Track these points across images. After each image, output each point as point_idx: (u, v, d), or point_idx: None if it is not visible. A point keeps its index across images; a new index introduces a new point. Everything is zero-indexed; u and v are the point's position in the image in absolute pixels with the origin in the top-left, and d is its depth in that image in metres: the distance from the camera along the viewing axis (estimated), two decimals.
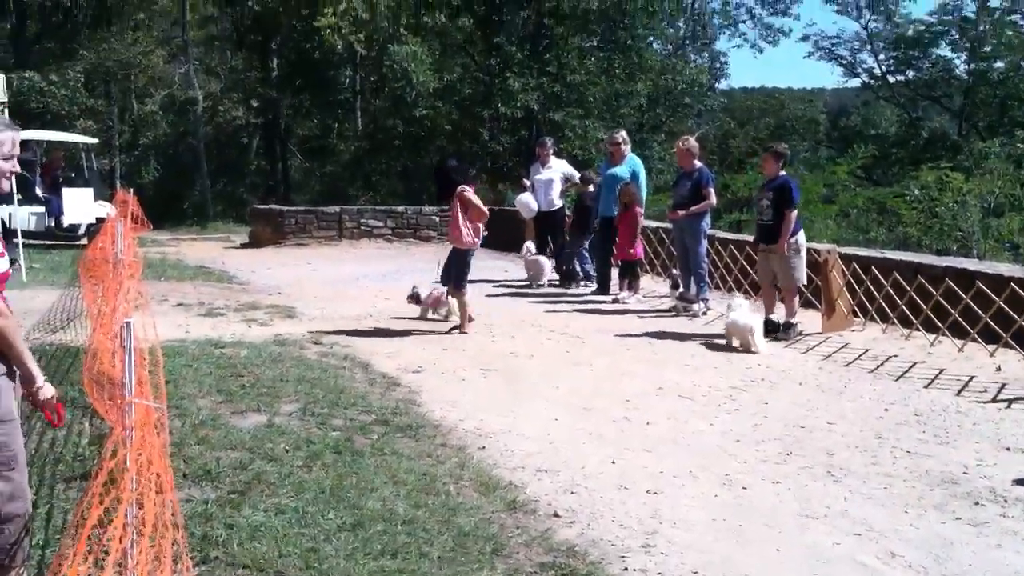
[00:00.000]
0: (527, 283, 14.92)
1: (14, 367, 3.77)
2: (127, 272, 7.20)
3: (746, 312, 10.14)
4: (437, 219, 21.61)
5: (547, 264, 15.04)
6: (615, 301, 13.16)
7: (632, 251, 13.20)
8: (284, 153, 38.84)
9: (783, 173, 10.98)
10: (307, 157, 40.71)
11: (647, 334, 10.84)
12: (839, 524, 5.50)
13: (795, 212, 10.73)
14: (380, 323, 11.22)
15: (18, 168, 3.94)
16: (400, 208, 22.35)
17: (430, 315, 11.59)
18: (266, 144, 39.18)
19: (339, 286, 14.44)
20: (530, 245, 15.17)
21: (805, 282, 10.95)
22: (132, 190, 15.96)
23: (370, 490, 5.54)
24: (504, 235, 17.12)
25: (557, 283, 14.88)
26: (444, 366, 9.09)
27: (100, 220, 17.67)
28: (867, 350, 9.99)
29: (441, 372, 8.86)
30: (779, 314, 10.93)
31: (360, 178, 34.83)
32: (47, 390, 3.89)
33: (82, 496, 2.95)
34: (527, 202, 15.08)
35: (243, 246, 21.34)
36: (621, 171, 13.53)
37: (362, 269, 16.73)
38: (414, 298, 11.64)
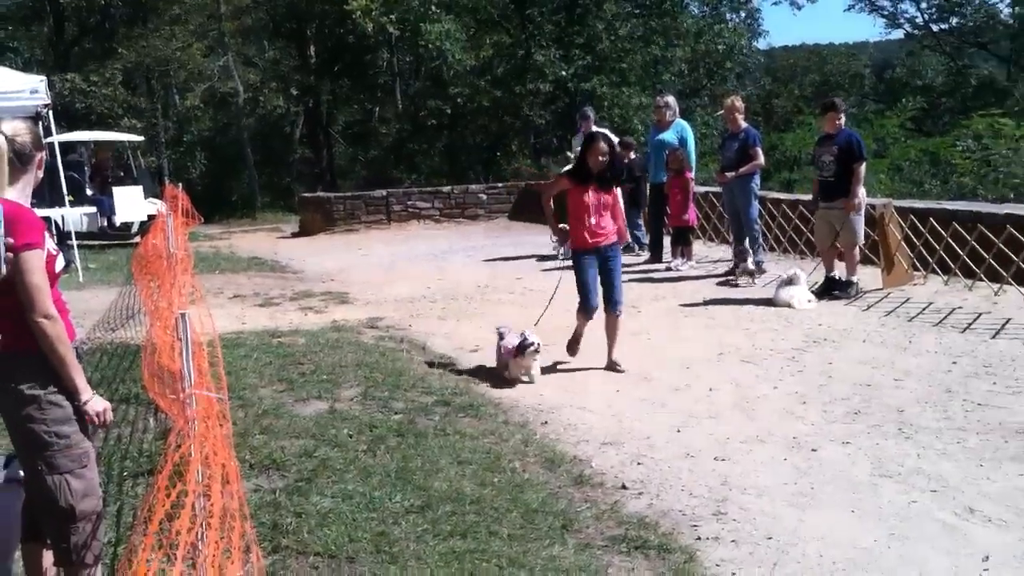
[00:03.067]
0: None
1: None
2: (181, 266, 7.22)
3: (799, 292, 10.14)
4: (484, 197, 21.57)
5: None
6: (668, 269, 13.03)
7: (685, 217, 13.05)
8: (328, 140, 38.96)
9: (845, 127, 10.70)
10: (350, 143, 40.81)
11: (703, 300, 10.72)
12: (914, 482, 5.39)
13: (864, 166, 10.50)
14: (434, 304, 11.20)
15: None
16: (446, 188, 22.30)
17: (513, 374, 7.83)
18: (309, 132, 39.33)
19: (391, 269, 14.45)
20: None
21: (863, 240, 10.73)
22: (180, 185, 16.05)
23: (435, 471, 5.52)
24: None
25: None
26: None
27: (151, 217, 17.82)
28: (930, 303, 9.80)
29: None
30: (839, 270, 10.72)
31: (404, 160, 34.82)
32: (95, 403, 3.76)
33: (149, 490, 2.94)
34: None
35: (293, 235, 21.44)
36: (669, 137, 13.35)
37: (412, 251, 16.73)
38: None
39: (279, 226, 24.46)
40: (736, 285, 11.54)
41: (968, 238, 10.29)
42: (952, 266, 10.56)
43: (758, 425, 6.45)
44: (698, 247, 14.13)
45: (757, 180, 12.21)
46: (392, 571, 4.27)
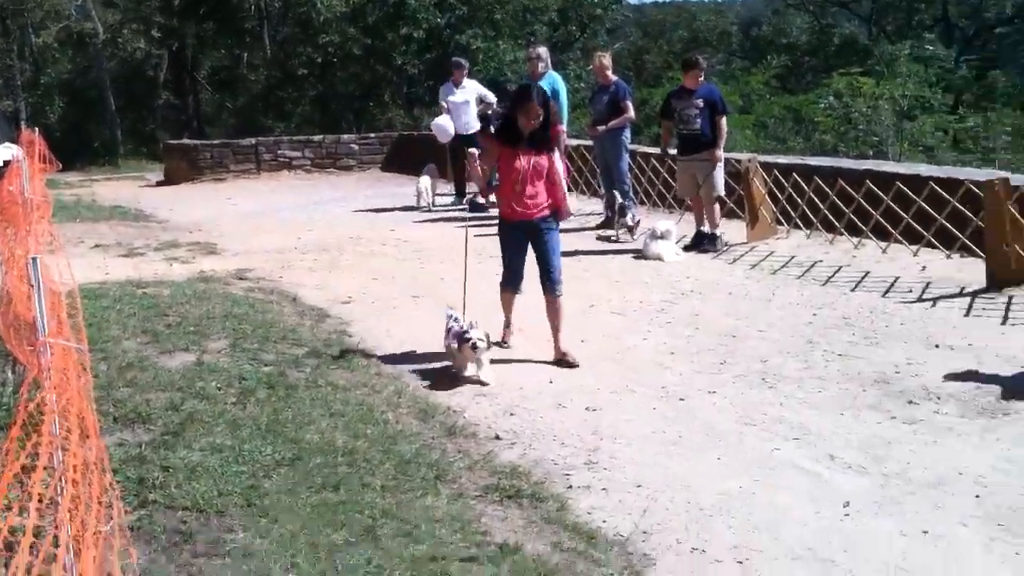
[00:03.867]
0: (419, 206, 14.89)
1: None
2: (38, 213, 6.92)
3: (667, 246, 10.32)
4: (356, 147, 21.31)
5: (427, 183, 15.04)
6: None
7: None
8: (194, 86, 37.76)
9: (706, 82, 10.98)
10: (217, 89, 39.63)
11: (575, 252, 10.80)
12: (777, 430, 5.56)
13: (725, 120, 10.77)
14: (305, 255, 11.02)
15: None
16: (318, 138, 21.92)
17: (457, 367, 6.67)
18: (174, 77, 38.03)
19: (261, 219, 14.16)
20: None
21: (723, 193, 10.98)
22: (37, 130, 15.38)
23: (307, 423, 5.45)
24: (421, 160, 16.81)
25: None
26: (374, 295, 8.98)
27: (6, 163, 17.02)
28: (792, 257, 10.09)
29: (372, 301, 8.75)
30: (708, 225, 10.94)
31: (273, 109, 34.00)
32: None
33: (1, 443, 2.82)
34: (444, 126, 14.75)
35: (158, 184, 20.79)
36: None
37: (283, 201, 16.42)
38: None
39: (143, 175, 23.69)
40: (616, 240, 11.66)
41: (829, 193, 10.60)
42: (814, 220, 10.88)
43: (628, 376, 6.56)
44: (570, 200, 14.15)
45: (627, 134, 12.35)
46: (262, 524, 4.20)
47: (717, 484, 4.85)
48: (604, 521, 4.48)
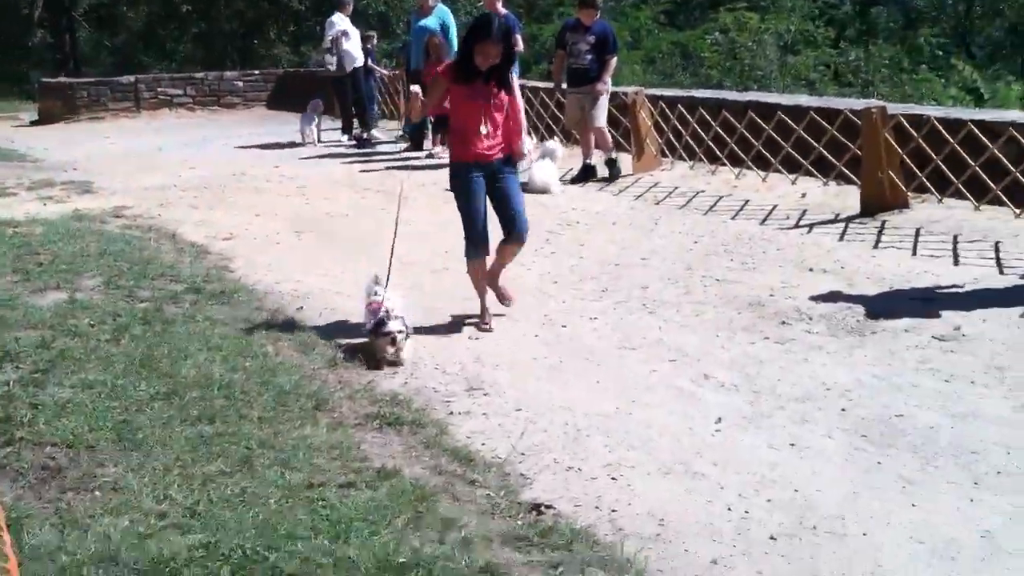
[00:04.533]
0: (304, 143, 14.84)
1: None
2: None
3: (547, 168, 10.31)
4: (240, 84, 20.80)
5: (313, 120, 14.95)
6: (430, 156, 13.00)
7: (445, 104, 12.94)
8: (70, 23, 36.31)
9: (600, 20, 11.07)
10: (95, 27, 38.19)
11: None
12: (655, 352, 5.66)
13: (615, 59, 10.93)
14: (185, 193, 10.75)
15: None
16: (200, 75, 21.31)
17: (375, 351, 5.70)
18: (49, 15, 36.52)
19: (140, 158, 13.73)
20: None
21: (605, 123, 11.05)
22: None
23: (183, 358, 5.34)
24: (307, 96, 16.50)
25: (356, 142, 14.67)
26: (256, 232, 8.84)
27: None
28: (676, 187, 10.22)
29: (253, 238, 8.61)
30: (595, 158, 11.02)
31: (154, 47, 32.99)
32: None
33: None
34: (331, 60, 14.53)
35: (32, 124, 19.98)
36: (430, 23, 13.13)
37: (164, 140, 15.94)
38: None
39: (16, 114, 22.69)
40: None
41: (713, 124, 10.73)
42: (697, 152, 11.02)
43: (511, 307, 6.58)
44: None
45: (517, 68, 12.24)
46: (134, 458, 4.13)
47: (595, 406, 4.92)
48: (483, 444, 4.51)
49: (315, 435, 4.47)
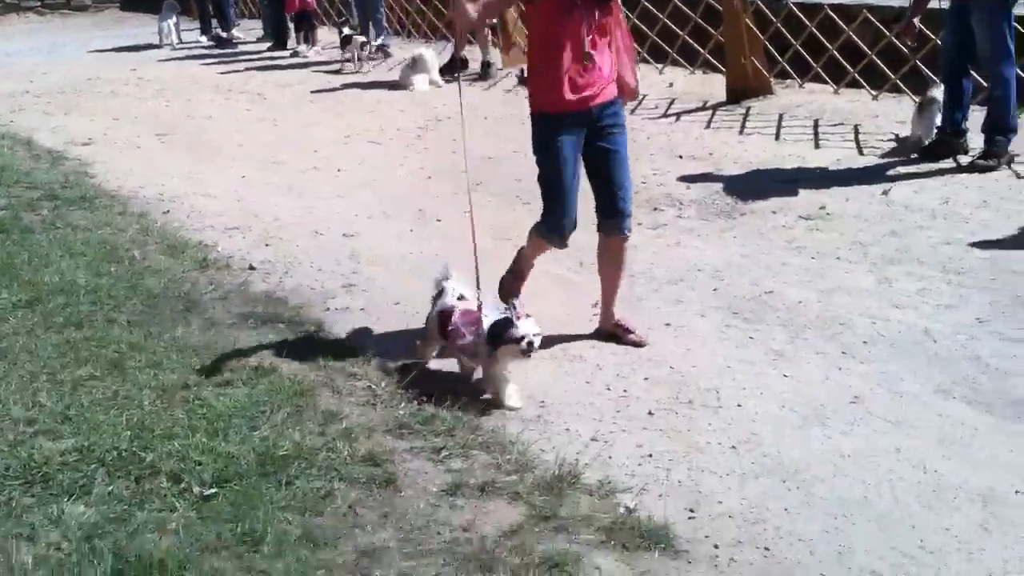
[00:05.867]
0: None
1: None
2: None
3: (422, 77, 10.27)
4: None
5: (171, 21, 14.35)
6: (294, 55, 12.66)
7: (306, 0, 12.59)
8: None
9: None
10: None
11: (332, 87, 10.54)
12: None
13: None
14: (39, 98, 10.26)
15: None
16: None
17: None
18: None
19: None
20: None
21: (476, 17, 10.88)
22: None
23: (45, 265, 5.17)
24: None
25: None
26: (116, 136, 8.52)
27: None
28: None
29: (113, 142, 8.31)
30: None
31: None
32: None
33: None
34: None
35: None
36: None
37: (12, 46, 15.12)
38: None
39: None
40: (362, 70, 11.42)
41: None
42: None
43: (385, 202, 6.52)
44: (323, 32, 13.74)
45: None
46: (1, 367, 3.99)
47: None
48: (364, 340, 4.48)
49: (187, 335, 4.39)
